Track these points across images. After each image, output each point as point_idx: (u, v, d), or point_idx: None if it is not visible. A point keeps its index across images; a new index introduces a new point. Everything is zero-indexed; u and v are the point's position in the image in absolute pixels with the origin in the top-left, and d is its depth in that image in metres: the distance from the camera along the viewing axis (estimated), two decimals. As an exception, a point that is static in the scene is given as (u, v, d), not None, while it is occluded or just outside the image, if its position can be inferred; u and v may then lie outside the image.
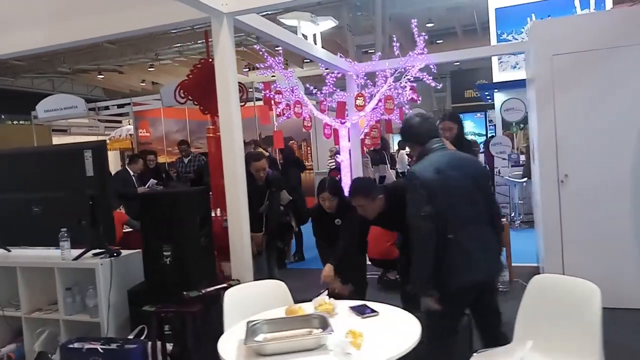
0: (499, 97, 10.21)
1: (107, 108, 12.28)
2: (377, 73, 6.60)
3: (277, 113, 6.71)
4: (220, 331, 2.32)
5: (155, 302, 2.95)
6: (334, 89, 6.58)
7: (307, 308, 2.36)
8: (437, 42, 14.29)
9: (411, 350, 1.91)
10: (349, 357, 1.84)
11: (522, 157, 8.87)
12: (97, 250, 3.17)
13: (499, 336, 2.52)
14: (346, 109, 6.47)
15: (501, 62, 10.47)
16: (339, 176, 6.73)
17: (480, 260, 2.42)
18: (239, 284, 2.99)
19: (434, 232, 2.31)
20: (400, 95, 6.49)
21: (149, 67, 15.86)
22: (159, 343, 2.90)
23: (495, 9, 10.10)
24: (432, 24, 12.58)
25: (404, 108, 6.79)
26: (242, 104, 3.89)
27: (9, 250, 3.57)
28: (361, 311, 2.32)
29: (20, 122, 14.73)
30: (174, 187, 7.03)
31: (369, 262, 4.65)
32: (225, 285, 2.94)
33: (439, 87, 6.80)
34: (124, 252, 3.26)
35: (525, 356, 2.13)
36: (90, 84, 18.63)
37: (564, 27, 4.29)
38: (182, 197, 3.25)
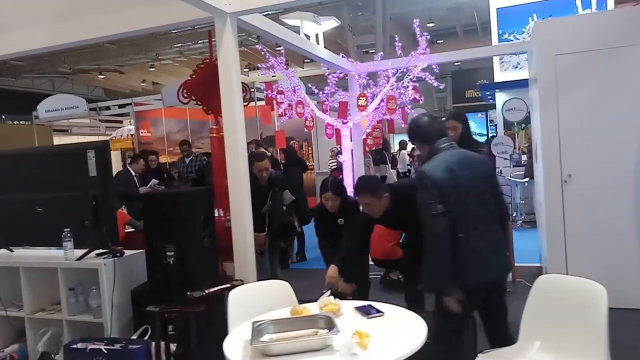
0: (501, 97, 10.23)
1: (108, 108, 12.29)
2: (379, 73, 6.60)
3: (279, 113, 6.71)
4: (223, 331, 2.31)
5: (158, 302, 2.95)
6: (336, 89, 6.58)
7: (311, 308, 2.35)
8: (438, 42, 14.30)
9: (417, 350, 1.90)
10: (355, 357, 1.83)
11: (524, 157, 8.87)
12: (100, 251, 3.16)
13: (506, 336, 2.51)
14: (348, 109, 6.47)
15: (502, 62, 10.50)
16: (340, 176, 6.72)
17: (491, 260, 2.41)
18: (242, 284, 2.98)
19: (447, 230, 2.29)
20: (403, 95, 6.49)
21: (150, 67, 15.85)
22: (162, 343, 2.89)
23: (497, 8, 10.12)
24: (432, 24, 12.57)
25: (406, 108, 6.79)
26: (245, 104, 3.88)
27: (12, 251, 3.56)
28: (366, 311, 2.31)
29: (21, 122, 14.73)
30: (177, 187, 7.02)
31: (371, 262, 4.64)
32: (228, 285, 2.94)
33: (441, 87, 6.80)
34: (127, 252, 3.25)
35: (532, 356, 2.12)
36: (90, 84, 18.63)
37: (567, 27, 4.29)
38: (185, 197, 3.25)
